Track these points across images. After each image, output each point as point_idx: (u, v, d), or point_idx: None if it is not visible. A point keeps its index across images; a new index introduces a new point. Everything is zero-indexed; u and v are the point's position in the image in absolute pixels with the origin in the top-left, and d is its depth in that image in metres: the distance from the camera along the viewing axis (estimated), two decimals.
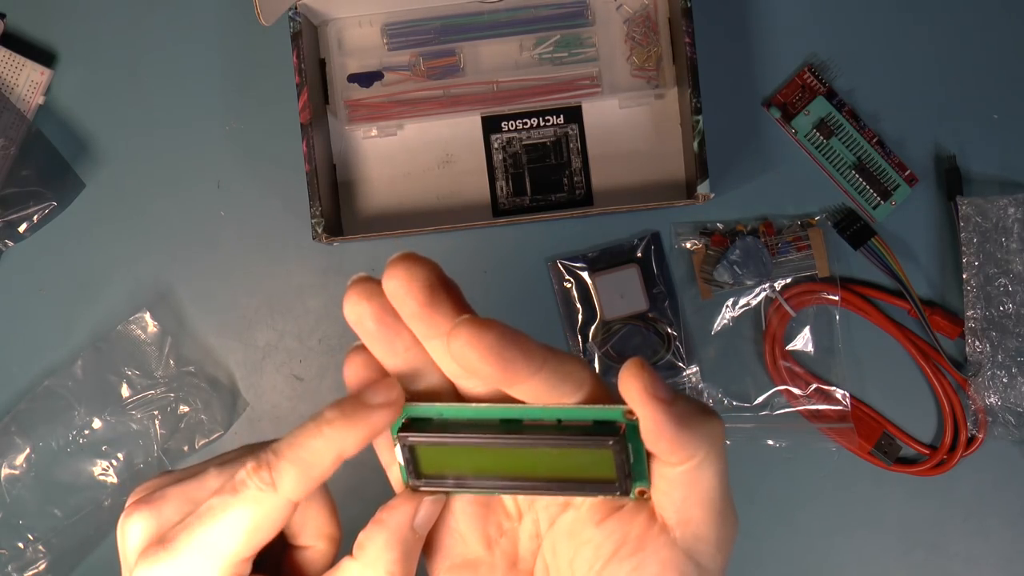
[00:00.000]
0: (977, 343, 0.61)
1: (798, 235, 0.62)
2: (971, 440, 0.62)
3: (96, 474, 0.64)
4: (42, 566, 0.63)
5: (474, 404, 0.29)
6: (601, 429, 0.28)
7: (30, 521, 0.64)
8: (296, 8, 0.59)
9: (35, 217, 0.63)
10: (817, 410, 0.62)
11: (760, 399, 0.62)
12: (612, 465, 0.28)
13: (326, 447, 0.28)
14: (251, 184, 0.64)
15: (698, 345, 0.63)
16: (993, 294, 0.60)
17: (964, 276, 0.60)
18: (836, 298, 0.61)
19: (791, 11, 0.63)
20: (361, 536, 0.30)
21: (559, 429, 0.28)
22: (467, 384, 0.30)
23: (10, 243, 0.64)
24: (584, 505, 0.30)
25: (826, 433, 0.62)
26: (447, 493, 0.31)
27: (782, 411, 0.62)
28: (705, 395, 0.63)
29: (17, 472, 0.64)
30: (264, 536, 0.28)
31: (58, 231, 0.64)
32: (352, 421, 0.28)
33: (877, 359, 0.63)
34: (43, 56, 0.64)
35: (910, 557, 0.63)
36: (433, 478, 0.30)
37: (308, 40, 0.61)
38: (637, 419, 0.27)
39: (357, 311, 0.28)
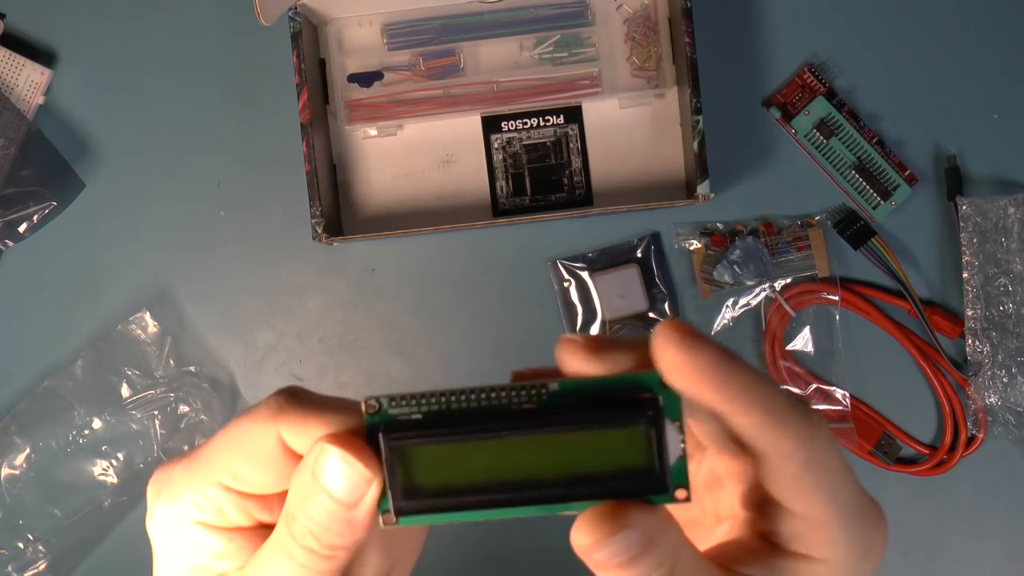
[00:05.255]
0: (977, 343, 0.61)
1: (798, 235, 0.62)
2: (971, 440, 0.62)
3: (96, 474, 0.64)
4: (42, 566, 0.63)
5: (461, 389, 0.25)
6: (630, 406, 0.24)
7: (30, 521, 0.64)
8: (296, 8, 0.59)
9: (35, 217, 0.63)
10: (817, 410, 0.62)
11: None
12: (645, 448, 0.24)
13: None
14: (251, 184, 0.64)
15: None
16: (993, 294, 0.60)
17: (964, 276, 0.60)
18: (836, 298, 0.61)
19: (791, 11, 0.63)
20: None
21: (579, 410, 0.24)
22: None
23: (10, 243, 0.64)
24: None
25: None
26: (437, 521, 0.25)
27: None
28: None
29: (17, 472, 0.64)
30: (254, 457, 0.26)
31: (58, 231, 0.64)
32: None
33: (877, 359, 0.63)
34: (43, 56, 0.64)
35: (910, 557, 0.63)
36: (424, 499, 0.25)
37: (308, 40, 0.61)
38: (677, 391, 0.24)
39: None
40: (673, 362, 0.23)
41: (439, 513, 0.25)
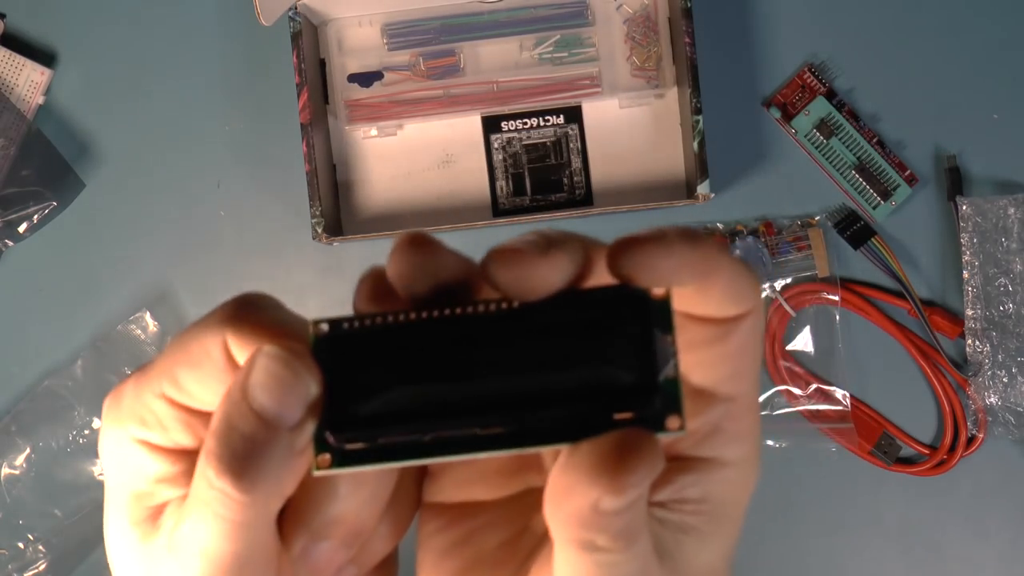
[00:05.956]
0: (977, 343, 0.61)
1: (798, 235, 0.62)
2: (971, 440, 0.62)
3: (96, 474, 0.64)
4: (42, 566, 0.63)
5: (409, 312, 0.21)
6: (611, 314, 0.21)
7: (30, 521, 0.64)
8: (296, 8, 0.59)
9: (35, 217, 0.63)
10: (817, 410, 0.62)
11: (760, 399, 0.62)
12: (632, 355, 0.20)
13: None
14: (251, 184, 0.64)
15: None
16: (993, 294, 0.60)
17: (964, 276, 0.60)
18: (836, 298, 0.61)
19: (791, 11, 0.63)
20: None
21: (553, 322, 0.21)
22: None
23: (10, 243, 0.64)
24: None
25: (826, 433, 0.62)
26: (387, 464, 0.21)
27: (782, 411, 0.62)
28: None
29: (17, 472, 0.64)
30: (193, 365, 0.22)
31: (58, 231, 0.64)
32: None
33: (877, 359, 0.63)
34: (43, 56, 0.64)
35: (910, 557, 0.63)
36: (368, 426, 0.21)
37: (308, 40, 0.61)
38: (667, 297, 0.20)
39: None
40: (647, 280, 0.20)
41: (389, 455, 0.21)
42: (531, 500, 0.24)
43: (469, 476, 0.25)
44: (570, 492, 0.19)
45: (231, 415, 0.21)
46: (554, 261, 0.21)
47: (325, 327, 0.21)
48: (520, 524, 0.24)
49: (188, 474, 0.22)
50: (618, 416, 0.20)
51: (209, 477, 0.20)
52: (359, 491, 0.23)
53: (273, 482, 0.21)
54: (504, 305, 0.21)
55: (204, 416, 0.22)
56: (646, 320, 0.20)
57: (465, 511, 0.25)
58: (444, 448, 0.21)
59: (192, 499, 0.21)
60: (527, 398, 0.21)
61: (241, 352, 0.22)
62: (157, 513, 0.23)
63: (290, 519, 0.23)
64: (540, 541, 0.24)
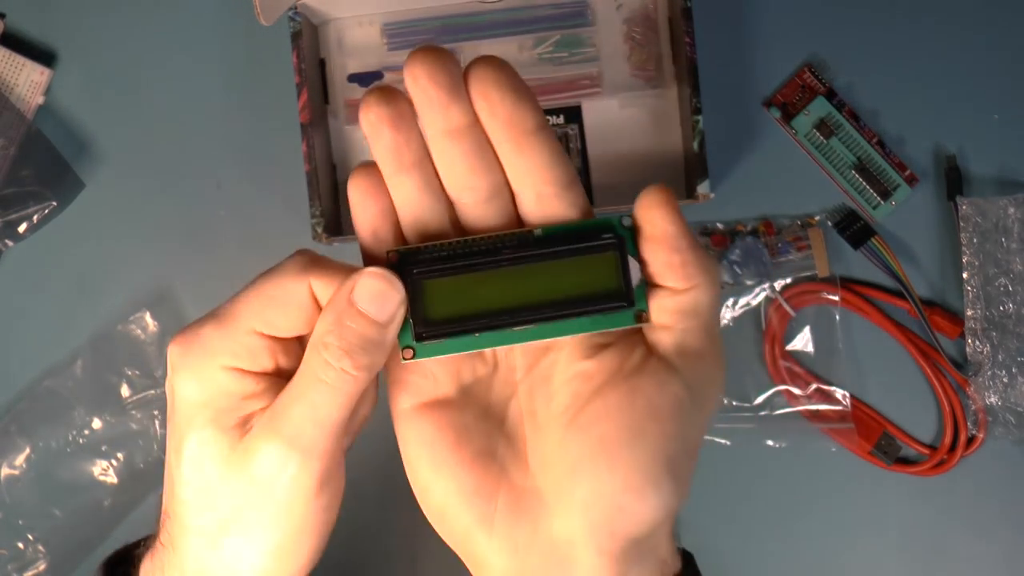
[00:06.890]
0: (977, 343, 0.61)
1: (798, 235, 0.62)
2: (971, 440, 0.62)
3: (96, 474, 0.64)
4: (42, 566, 0.63)
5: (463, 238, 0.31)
6: (599, 240, 0.31)
7: (30, 521, 0.64)
8: (296, 8, 0.59)
9: (35, 217, 0.63)
10: (817, 410, 0.62)
11: (760, 399, 0.62)
12: (614, 271, 0.31)
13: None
14: (251, 184, 0.64)
15: None
16: (993, 294, 0.60)
17: (964, 276, 0.60)
18: (836, 298, 0.61)
19: (791, 11, 0.63)
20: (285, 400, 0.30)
21: (563, 243, 0.31)
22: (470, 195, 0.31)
23: (10, 243, 0.64)
24: (567, 346, 0.31)
25: (826, 433, 0.62)
26: (454, 349, 0.31)
27: (782, 411, 0.62)
28: None
29: (17, 472, 0.64)
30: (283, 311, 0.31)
31: (58, 231, 0.64)
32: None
33: (877, 359, 0.63)
34: (43, 56, 0.64)
35: (910, 557, 0.63)
36: (439, 326, 0.30)
37: (308, 40, 0.61)
38: (634, 228, 0.31)
39: (376, 114, 0.30)
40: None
41: (451, 341, 0.30)
42: (483, 385, 0.32)
43: (429, 377, 0.32)
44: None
45: (342, 317, 0.29)
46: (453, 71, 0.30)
47: (396, 254, 0.30)
48: (482, 402, 0.32)
49: (268, 390, 0.31)
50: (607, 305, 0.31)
51: (330, 360, 0.29)
52: (373, 401, 0.32)
53: (374, 362, 0.30)
54: (523, 235, 0.31)
55: (281, 343, 0.31)
56: (621, 248, 0.31)
57: (434, 406, 0.31)
58: (490, 340, 0.31)
59: (306, 381, 0.30)
60: (546, 302, 0.31)
61: (324, 291, 0.30)
62: (246, 420, 0.30)
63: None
64: (505, 410, 0.32)
